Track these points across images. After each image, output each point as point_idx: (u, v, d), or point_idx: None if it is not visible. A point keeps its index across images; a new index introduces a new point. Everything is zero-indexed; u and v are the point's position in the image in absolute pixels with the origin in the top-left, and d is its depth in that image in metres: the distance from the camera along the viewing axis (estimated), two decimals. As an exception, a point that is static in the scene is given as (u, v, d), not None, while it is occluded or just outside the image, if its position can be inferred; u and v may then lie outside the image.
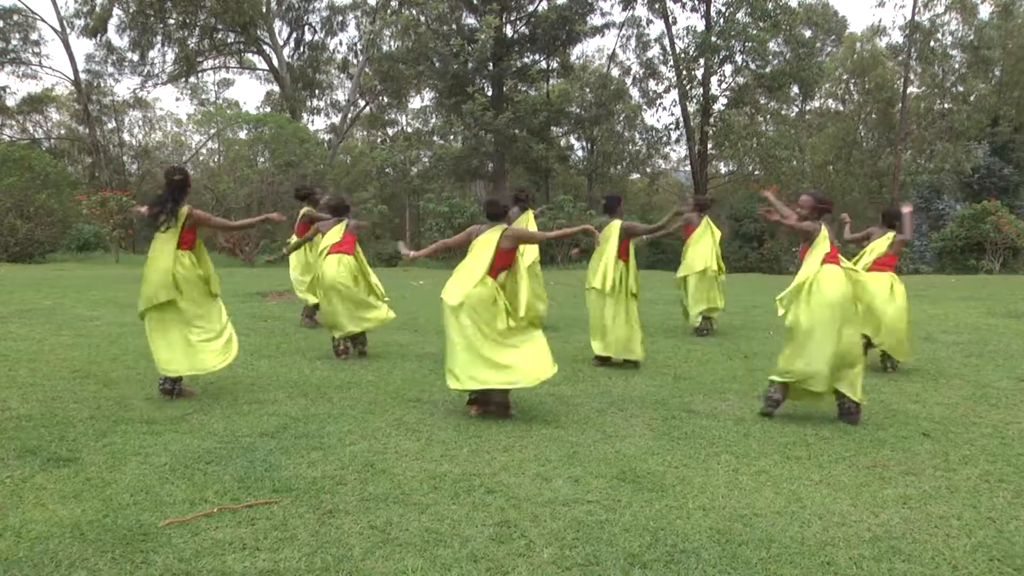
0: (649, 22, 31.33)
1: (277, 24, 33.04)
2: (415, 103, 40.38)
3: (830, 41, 39.35)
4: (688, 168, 34.43)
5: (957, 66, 32.94)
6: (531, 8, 29.80)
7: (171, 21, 31.06)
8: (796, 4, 29.84)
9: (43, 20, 38.90)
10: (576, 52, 34.86)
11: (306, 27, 34.54)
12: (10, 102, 36.62)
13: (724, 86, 30.65)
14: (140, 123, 42.92)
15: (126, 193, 23.58)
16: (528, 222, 8.68)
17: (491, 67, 29.15)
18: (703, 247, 8.95)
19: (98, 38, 31.74)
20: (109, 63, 34.58)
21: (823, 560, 3.09)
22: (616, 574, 2.95)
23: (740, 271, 23.57)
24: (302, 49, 35.01)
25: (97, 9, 30.06)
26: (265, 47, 32.44)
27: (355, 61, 34.11)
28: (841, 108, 39.03)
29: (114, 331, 8.17)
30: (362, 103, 36.41)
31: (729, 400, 5.80)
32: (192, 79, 36.01)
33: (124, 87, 68.72)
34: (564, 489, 3.81)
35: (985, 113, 32.18)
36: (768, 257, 23.78)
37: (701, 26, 28.98)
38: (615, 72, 35.09)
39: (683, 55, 29.11)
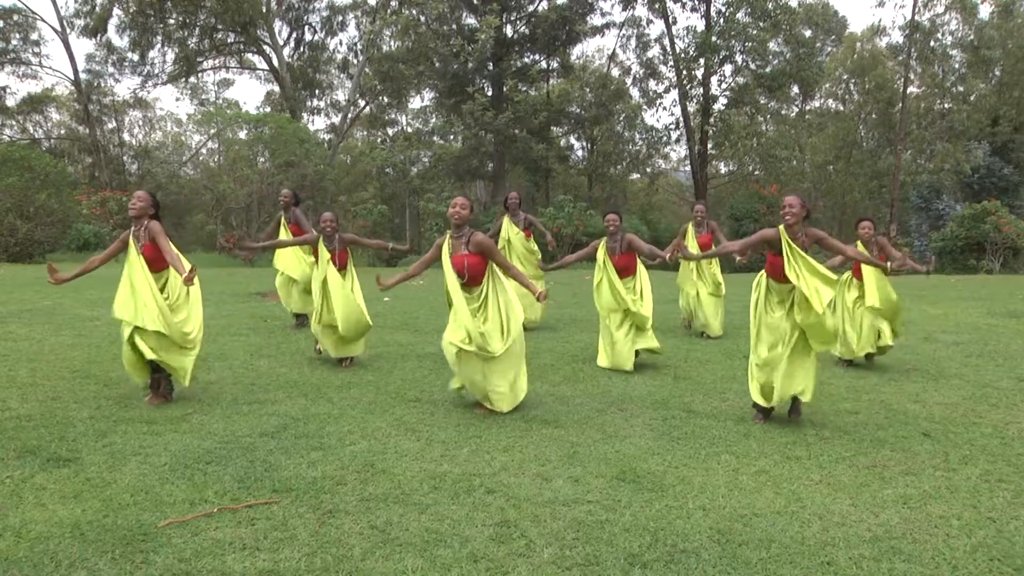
0: (649, 22, 31.38)
1: (277, 24, 33.00)
2: (415, 103, 40.50)
3: (830, 41, 39.36)
4: (688, 168, 34.45)
5: (957, 66, 32.95)
6: (531, 8, 29.80)
7: (171, 21, 31.04)
8: (796, 4, 29.86)
9: (43, 20, 38.95)
10: (576, 52, 34.91)
11: (306, 27, 34.51)
12: (10, 102, 36.65)
13: (724, 86, 30.70)
14: (140, 123, 43.00)
15: (126, 193, 23.57)
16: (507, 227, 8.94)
17: (491, 67, 29.15)
18: None
19: (98, 38, 31.72)
20: (109, 63, 34.57)
21: (823, 560, 3.09)
22: (616, 574, 2.95)
23: (740, 271, 23.56)
24: (302, 49, 34.99)
25: (97, 9, 30.04)
26: (265, 47, 32.43)
27: (355, 61, 34.09)
28: (841, 108, 39.04)
29: (114, 331, 8.16)
30: (362, 103, 36.37)
31: (729, 400, 5.80)
32: (192, 79, 35.98)
33: (124, 87, 68.83)
34: (564, 489, 3.81)
35: (985, 113, 32.18)
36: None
37: (701, 26, 29.01)
38: (615, 72, 35.13)
39: (683, 55, 29.14)
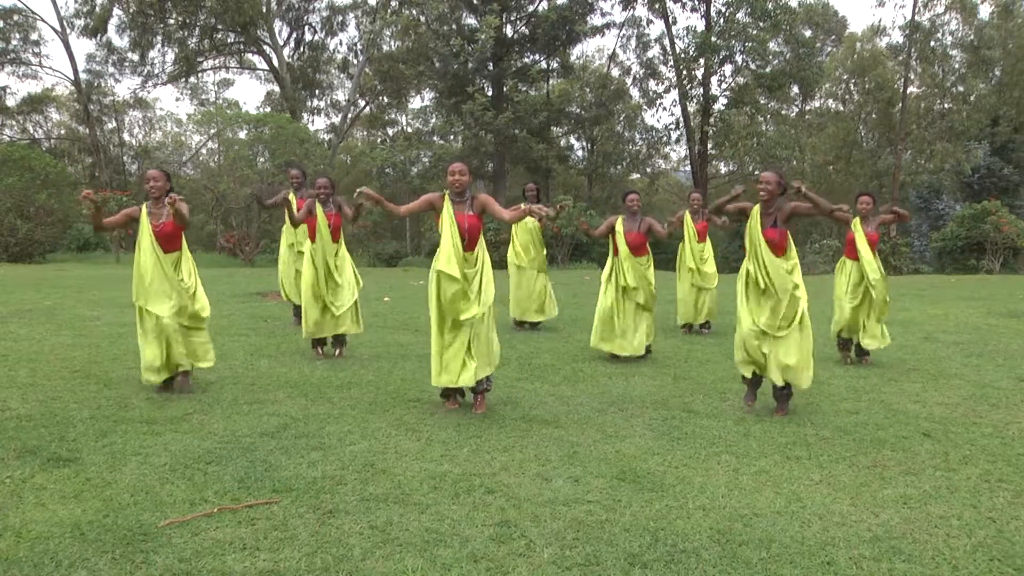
0: (649, 22, 31.37)
1: (277, 24, 32.97)
2: (415, 103, 40.42)
3: (830, 41, 39.35)
4: (688, 168, 34.44)
5: (957, 66, 32.92)
6: (531, 8, 29.79)
7: (171, 21, 31.01)
8: (796, 4, 29.83)
9: (43, 20, 38.95)
10: (576, 52, 34.88)
11: (306, 27, 34.49)
12: (10, 102, 36.62)
13: (724, 86, 30.67)
14: (140, 123, 43.02)
15: (126, 193, 23.58)
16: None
17: (491, 67, 29.14)
18: None
19: (98, 38, 31.70)
20: (109, 63, 34.57)
21: (823, 560, 3.09)
22: (616, 574, 2.95)
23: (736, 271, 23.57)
24: (302, 49, 34.97)
25: (97, 9, 30.03)
26: (265, 47, 32.40)
27: (355, 61, 34.07)
28: (841, 108, 39.01)
29: (114, 331, 8.17)
30: (362, 103, 36.37)
31: (729, 400, 5.80)
32: (192, 79, 35.95)
33: (124, 87, 68.85)
34: (564, 489, 3.81)
35: (985, 113, 32.17)
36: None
37: (701, 26, 28.99)
38: (615, 72, 35.10)
39: (683, 55, 29.11)
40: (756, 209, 5.28)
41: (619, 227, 7.19)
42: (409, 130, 38.37)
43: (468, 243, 5.15)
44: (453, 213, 5.11)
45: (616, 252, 7.21)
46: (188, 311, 5.48)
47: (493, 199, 5.29)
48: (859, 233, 7.12)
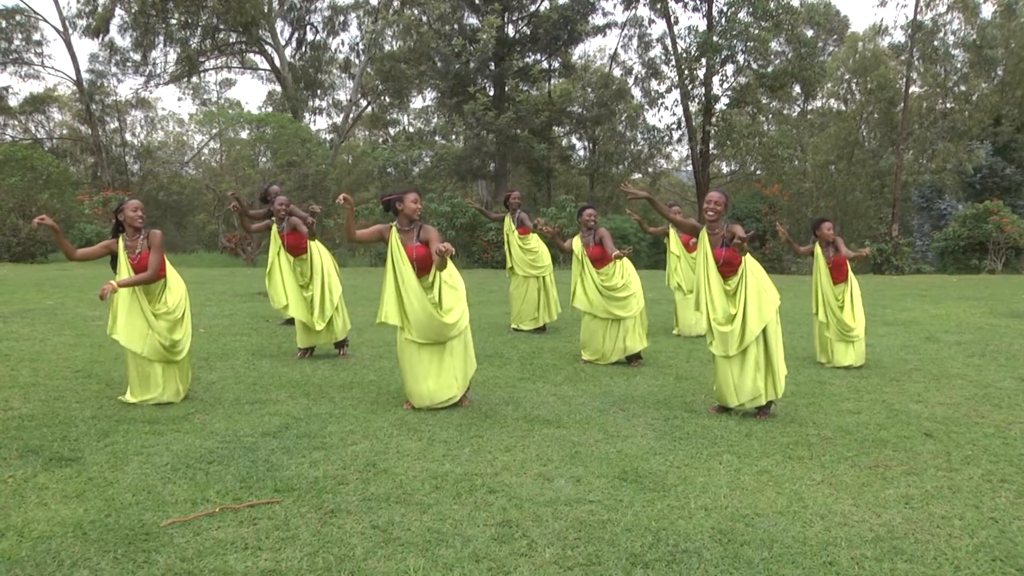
0: (651, 22, 31.33)
1: (279, 24, 32.97)
2: (417, 103, 40.46)
3: (832, 41, 39.31)
4: (690, 168, 34.40)
5: (959, 65, 32.84)
6: (533, 8, 29.77)
7: (173, 21, 31.04)
8: (798, 4, 29.78)
9: (45, 20, 38.84)
10: (578, 52, 34.84)
11: (308, 27, 34.47)
12: (12, 102, 36.62)
13: (726, 86, 30.60)
14: (142, 123, 42.99)
15: (128, 193, 23.61)
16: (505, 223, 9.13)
17: (493, 67, 29.13)
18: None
19: (100, 38, 31.71)
20: (112, 63, 34.57)
21: (825, 560, 3.09)
22: (618, 574, 2.95)
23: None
24: (304, 49, 34.96)
25: (99, 9, 30.05)
26: (267, 47, 32.41)
27: (357, 61, 34.08)
28: (843, 108, 38.94)
29: (116, 331, 8.17)
30: (364, 103, 36.37)
31: (731, 400, 5.79)
32: (194, 79, 35.96)
33: (126, 87, 68.93)
34: (566, 489, 3.81)
35: (987, 113, 32.10)
36: (770, 257, 23.76)
37: (703, 26, 28.95)
38: (617, 72, 35.05)
39: (685, 55, 29.07)
40: (704, 230, 5.32)
41: (576, 245, 7.19)
42: (411, 130, 38.36)
43: (420, 270, 5.25)
44: (402, 244, 5.21)
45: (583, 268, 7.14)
46: (166, 344, 5.22)
47: (437, 233, 5.30)
48: (821, 261, 7.07)
